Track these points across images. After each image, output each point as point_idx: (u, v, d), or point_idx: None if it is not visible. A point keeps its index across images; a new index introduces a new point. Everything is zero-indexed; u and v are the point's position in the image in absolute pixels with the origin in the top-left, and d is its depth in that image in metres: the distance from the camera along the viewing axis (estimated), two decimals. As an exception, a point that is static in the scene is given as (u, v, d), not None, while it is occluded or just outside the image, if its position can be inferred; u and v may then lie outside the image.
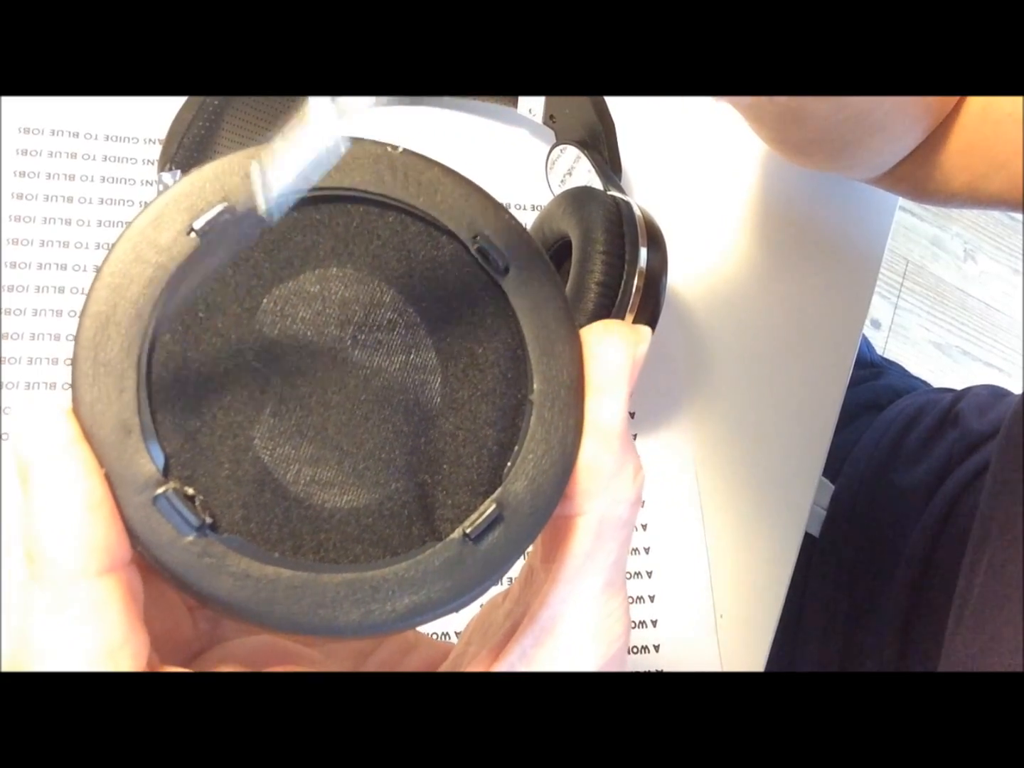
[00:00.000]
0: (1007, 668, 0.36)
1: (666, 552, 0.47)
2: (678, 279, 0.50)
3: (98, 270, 0.18)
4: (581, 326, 0.20)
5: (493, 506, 0.18)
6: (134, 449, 0.17)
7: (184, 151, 0.43)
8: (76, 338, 0.17)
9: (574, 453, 0.19)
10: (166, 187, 0.23)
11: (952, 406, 0.58)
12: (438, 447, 0.19)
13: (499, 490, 0.19)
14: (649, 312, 0.40)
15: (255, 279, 0.18)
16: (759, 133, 0.44)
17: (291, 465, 0.18)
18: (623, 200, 0.41)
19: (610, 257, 0.39)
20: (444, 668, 0.23)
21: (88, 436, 0.17)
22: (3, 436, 0.40)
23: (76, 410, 0.17)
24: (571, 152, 0.46)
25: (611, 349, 0.20)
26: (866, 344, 0.72)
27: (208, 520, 0.17)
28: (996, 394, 0.58)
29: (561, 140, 0.47)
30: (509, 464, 0.19)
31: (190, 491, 0.17)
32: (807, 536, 0.50)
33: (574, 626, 0.20)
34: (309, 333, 0.19)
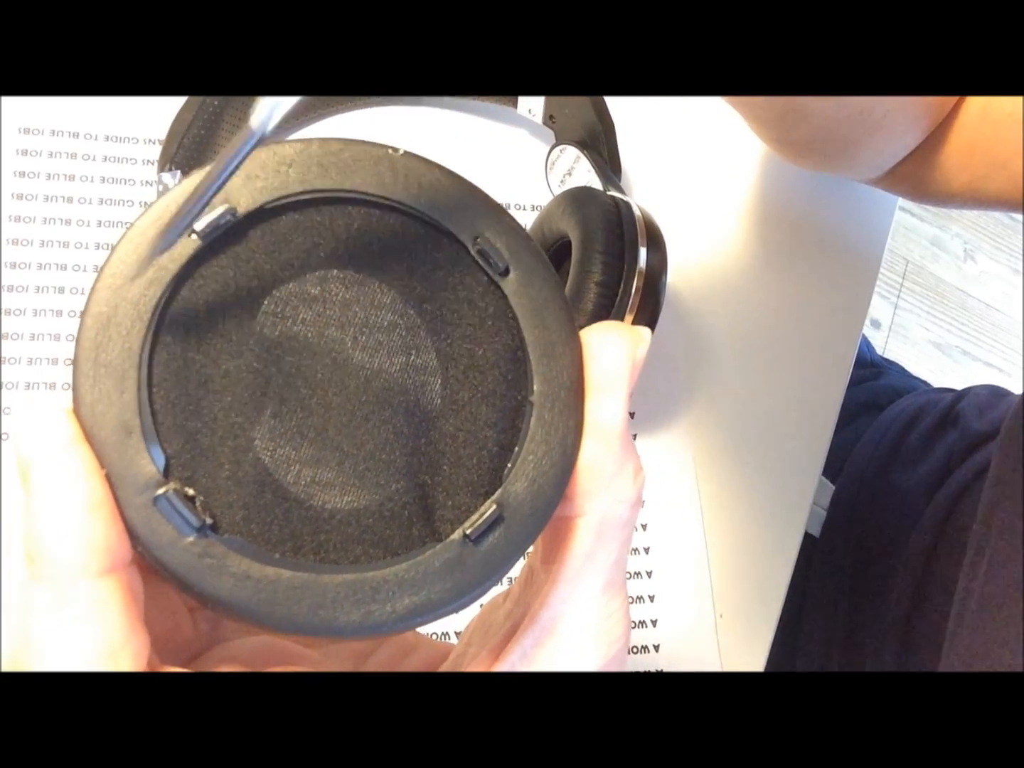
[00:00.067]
0: (1007, 668, 0.36)
1: (666, 552, 0.47)
2: (678, 279, 0.50)
3: (99, 271, 0.18)
4: (581, 326, 0.20)
5: (493, 507, 0.18)
6: (135, 450, 0.17)
7: (184, 151, 0.43)
8: (77, 338, 0.17)
9: (574, 454, 0.19)
10: (166, 187, 0.23)
11: (952, 406, 0.58)
12: (438, 448, 0.19)
13: (499, 491, 0.19)
14: (649, 312, 0.40)
15: (256, 280, 0.18)
16: (759, 133, 0.44)
17: (292, 466, 0.18)
18: (623, 200, 0.41)
19: (610, 257, 0.39)
20: (444, 668, 0.23)
21: (89, 437, 0.17)
22: (3, 436, 0.40)
23: (77, 410, 0.17)
24: (571, 152, 0.46)
25: (611, 350, 0.20)
26: (866, 344, 0.72)
27: (209, 521, 0.17)
28: (996, 394, 0.58)
29: (561, 140, 0.47)
30: (509, 465, 0.19)
31: (191, 492, 0.17)
32: (807, 536, 0.50)
33: (575, 626, 0.20)
34: (310, 335, 0.19)
